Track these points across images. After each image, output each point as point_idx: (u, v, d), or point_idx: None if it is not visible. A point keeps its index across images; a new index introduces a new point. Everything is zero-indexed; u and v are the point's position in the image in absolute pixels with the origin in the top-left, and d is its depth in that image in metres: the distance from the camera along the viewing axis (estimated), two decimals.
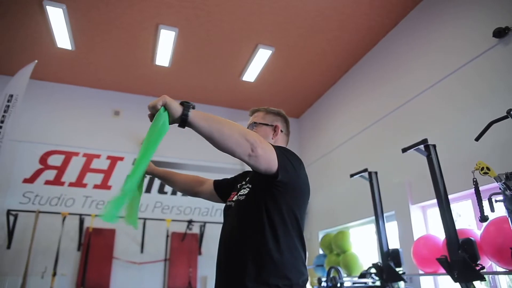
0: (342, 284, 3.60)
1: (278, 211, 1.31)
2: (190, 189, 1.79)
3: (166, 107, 1.09)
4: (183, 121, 1.09)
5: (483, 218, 2.16)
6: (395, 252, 3.22)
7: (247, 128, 1.61)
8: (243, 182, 1.54)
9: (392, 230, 3.85)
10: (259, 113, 1.64)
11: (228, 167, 5.57)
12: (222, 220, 1.53)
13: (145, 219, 5.24)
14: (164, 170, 1.77)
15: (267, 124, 1.60)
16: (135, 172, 1.06)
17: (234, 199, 1.49)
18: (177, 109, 1.09)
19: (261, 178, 1.30)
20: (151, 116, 1.14)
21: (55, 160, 5.27)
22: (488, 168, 2.22)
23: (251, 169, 1.33)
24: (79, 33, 4.46)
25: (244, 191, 1.44)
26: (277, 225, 1.30)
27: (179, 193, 5.62)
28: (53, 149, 5.30)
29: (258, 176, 1.32)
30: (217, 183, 1.75)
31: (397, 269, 3.15)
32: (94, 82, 5.65)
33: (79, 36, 4.52)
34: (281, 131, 1.61)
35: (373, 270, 3.56)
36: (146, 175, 1.74)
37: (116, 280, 4.89)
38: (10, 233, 4.58)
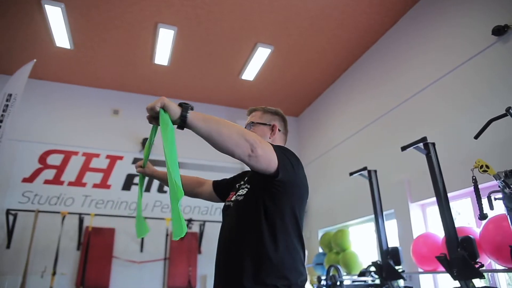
0: (341, 282, 3.60)
1: (277, 211, 1.31)
2: (190, 190, 1.79)
3: (164, 108, 1.08)
4: (182, 122, 1.09)
5: (482, 216, 2.16)
6: (395, 250, 3.22)
7: (245, 127, 1.61)
8: (242, 182, 1.54)
9: (391, 228, 3.85)
10: (257, 113, 1.64)
11: (229, 166, 5.56)
12: (221, 219, 1.53)
13: (144, 218, 5.21)
14: (164, 172, 1.77)
15: (264, 124, 1.59)
16: (174, 180, 1.02)
17: (232, 199, 1.49)
18: (176, 111, 1.08)
19: (260, 178, 1.30)
20: (150, 118, 1.14)
21: (54, 160, 5.26)
22: (487, 166, 2.22)
23: (249, 169, 1.32)
24: (78, 32, 4.45)
25: (243, 191, 1.44)
26: (276, 225, 1.30)
27: None
28: (52, 149, 5.29)
29: (257, 176, 1.31)
30: (216, 183, 1.76)
31: (397, 267, 3.15)
32: (93, 81, 5.63)
33: (78, 35, 4.51)
34: (279, 130, 1.61)
35: (372, 269, 3.56)
36: (145, 177, 1.75)
37: (115, 279, 4.89)
38: (10, 233, 4.58)
